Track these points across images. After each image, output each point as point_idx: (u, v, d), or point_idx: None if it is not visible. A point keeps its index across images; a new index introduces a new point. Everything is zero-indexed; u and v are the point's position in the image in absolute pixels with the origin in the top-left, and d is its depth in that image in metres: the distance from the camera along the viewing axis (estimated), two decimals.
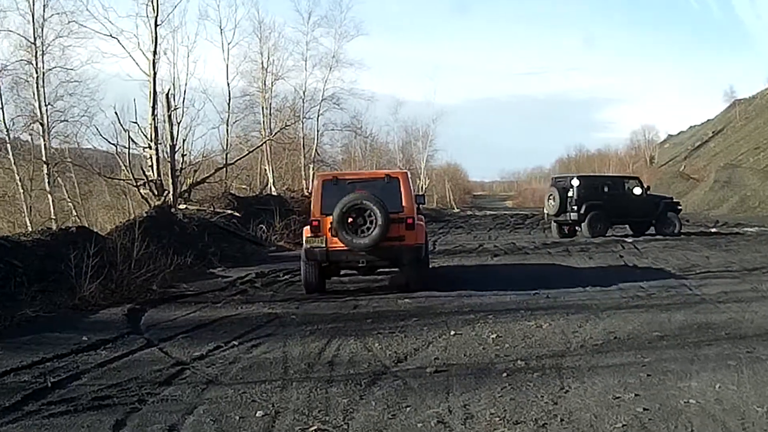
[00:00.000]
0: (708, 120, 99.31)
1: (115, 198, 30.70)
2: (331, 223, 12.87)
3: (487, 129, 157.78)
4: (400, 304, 12.06)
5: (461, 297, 12.64)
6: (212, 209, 23.52)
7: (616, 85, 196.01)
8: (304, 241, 13.32)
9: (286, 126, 34.30)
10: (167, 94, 24.52)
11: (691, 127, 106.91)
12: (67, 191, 30.34)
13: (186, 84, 28.41)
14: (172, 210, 21.21)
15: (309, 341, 9.17)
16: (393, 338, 9.29)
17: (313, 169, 37.24)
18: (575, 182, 26.55)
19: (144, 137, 24.54)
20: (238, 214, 23.47)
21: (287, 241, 23.67)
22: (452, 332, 9.56)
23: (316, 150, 39.45)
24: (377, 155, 54.44)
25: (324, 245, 13.02)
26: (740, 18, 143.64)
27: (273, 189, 33.13)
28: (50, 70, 25.14)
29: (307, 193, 32.85)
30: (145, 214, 18.95)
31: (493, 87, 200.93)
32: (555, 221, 27.61)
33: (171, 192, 23.90)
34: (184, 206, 23.83)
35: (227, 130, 32.33)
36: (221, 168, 28.19)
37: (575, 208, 26.11)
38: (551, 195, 27.34)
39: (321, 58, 40.55)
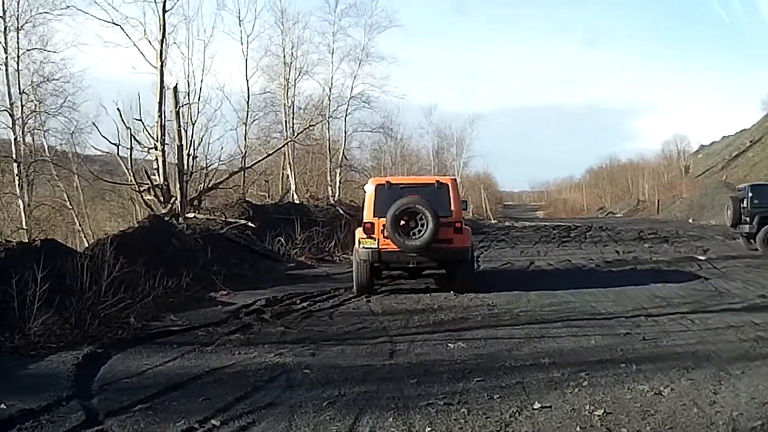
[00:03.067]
0: (743, 130, 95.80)
1: (121, 206, 28.12)
2: (383, 225, 13.54)
3: (514, 138, 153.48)
4: (451, 350, 8.98)
5: (530, 339, 9.60)
6: (223, 219, 20.57)
7: (646, 95, 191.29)
8: (356, 242, 14.08)
9: (311, 126, 31.10)
10: (174, 88, 21.67)
11: (724, 137, 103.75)
12: (68, 197, 27.90)
13: (202, 81, 25.81)
14: (173, 220, 18.29)
15: (326, 420, 6.17)
16: (450, 415, 6.27)
17: (339, 175, 34.00)
18: (749, 193, 23.80)
19: (149, 137, 21.79)
20: (252, 225, 20.45)
21: (309, 257, 20.64)
22: (536, 404, 6.54)
23: (343, 154, 35.84)
24: (408, 162, 51.11)
25: (376, 246, 13.70)
26: None
27: (295, 196, 29.98)
28: (25, 52, 22.20)
29: (333, 201, 29.82)
30: (137, 224, 16.02)
31: (519, 96, 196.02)
32: (739, 233, 25.00)
33: (178, 198, 21.07)
34: (193, 215, 20.98)
35: (245, 131, 29.33)
36: (236, 172, 25.23)
37: (748, 220, 23.46)
38: (728, 205, 24.98)
39: (349, 50, 37.12)
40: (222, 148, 26.74)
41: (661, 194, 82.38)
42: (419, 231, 13.37)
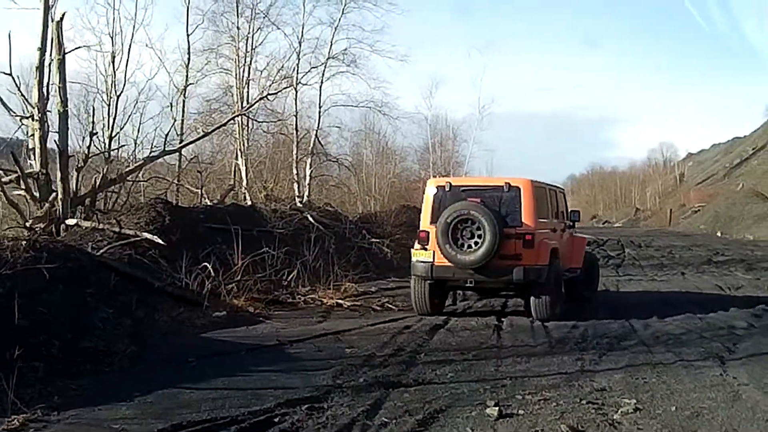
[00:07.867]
0: (736, 138, 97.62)
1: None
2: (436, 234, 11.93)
3: (492, 144, 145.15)
4: None
5: None
6: (117, 230, 12.56)
7: (624, 104, 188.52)
8: (412, 254, 12.55)
9: (271, 95, 22.27)
10: (58, 22, 14.01)
11: (714, 145, 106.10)
12: None
13: (132, 38, 18.56)
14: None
15: None
16: None
17: (310, 167, 25.11)
18: None
19: (25, 101, 14.20)
20: (160, 242, 12.35)
21: (252, 298, 12.54)
22: None
23: (317, 137, 25.99)
24: (392, 161, 41.87)
25: (431, 260, 12.06)
26: (751, 43, 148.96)
27: (246, 195, 21.89)
28: None
29: (300, 204, 21.54)
30: None
31: (497, 102, 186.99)
32: None
33: (60, 195, 13.49)
34: (75, 221, 13.26)
35: (183, 102, 21.17)
36: (155, 158, 16.92)
37: None
38: None
39: None
40: (156, 129, 18.76)
41: (663, 203, 78.32)
42: (475, 244, 11.62)
